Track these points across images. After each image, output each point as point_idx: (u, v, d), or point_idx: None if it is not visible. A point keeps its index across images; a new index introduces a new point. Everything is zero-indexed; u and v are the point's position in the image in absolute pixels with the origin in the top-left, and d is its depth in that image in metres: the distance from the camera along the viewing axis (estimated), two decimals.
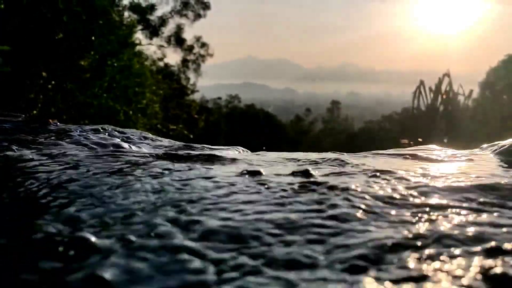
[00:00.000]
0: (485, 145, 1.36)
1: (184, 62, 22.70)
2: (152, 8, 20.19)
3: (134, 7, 19.29)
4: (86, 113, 10.70)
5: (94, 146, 1.11)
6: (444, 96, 16.19)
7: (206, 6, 21.54)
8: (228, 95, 33.92)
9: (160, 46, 21.37)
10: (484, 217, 0.72)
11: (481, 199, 0.81)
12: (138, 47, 15.38)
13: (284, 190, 0.84)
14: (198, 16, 21.45)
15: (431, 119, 15.81)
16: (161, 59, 21.58)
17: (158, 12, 20.71)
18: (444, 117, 15.45)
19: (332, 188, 0.85)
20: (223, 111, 31.58)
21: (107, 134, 1.29)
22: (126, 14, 16.97)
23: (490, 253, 0.58)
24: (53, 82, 9.78)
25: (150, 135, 1.41)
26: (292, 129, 33.93)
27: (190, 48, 22.36)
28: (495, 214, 0.73)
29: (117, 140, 1.20)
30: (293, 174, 0.96)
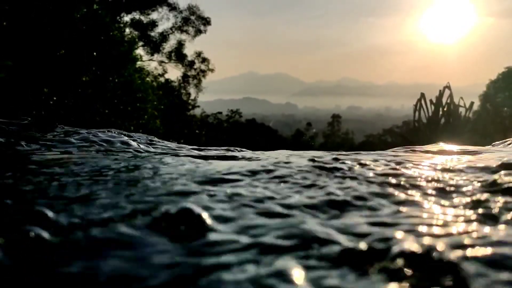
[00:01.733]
0: (497, 142, 1.36)
1: (185, 77, 22.80)
2: (153, 24, 20.39)
3: (135, 24, 19.49)
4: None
5: (103, 143, 1.09)
6: (445, 109, 16.17)
7: (207, 22, 21.75)
8: (229, 110, 33.97)
9: (161, 62, 21.53)
10: None
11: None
12: (139, 63, 15.48)
13: None
14: (198, 32, 21.64)
15: (432, 131, 15.73)
16: (162, 75, 21.71)
17: (159, 28, 20.92)
18: (446, 130, 15.42)
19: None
20: (224, 126, 31.63)
21: (115, 133, 1.27)
22: (127, 30, 17.14)
23: None
24: (54, 98, 9.82)
25: (156, 138, 1.40)
26: (293, 143, 33.95)
27: (191, 64, 22.49)
28: None
29: (125, 138, 1.18)
30: None
